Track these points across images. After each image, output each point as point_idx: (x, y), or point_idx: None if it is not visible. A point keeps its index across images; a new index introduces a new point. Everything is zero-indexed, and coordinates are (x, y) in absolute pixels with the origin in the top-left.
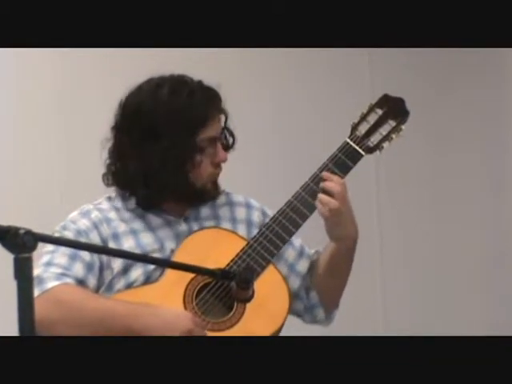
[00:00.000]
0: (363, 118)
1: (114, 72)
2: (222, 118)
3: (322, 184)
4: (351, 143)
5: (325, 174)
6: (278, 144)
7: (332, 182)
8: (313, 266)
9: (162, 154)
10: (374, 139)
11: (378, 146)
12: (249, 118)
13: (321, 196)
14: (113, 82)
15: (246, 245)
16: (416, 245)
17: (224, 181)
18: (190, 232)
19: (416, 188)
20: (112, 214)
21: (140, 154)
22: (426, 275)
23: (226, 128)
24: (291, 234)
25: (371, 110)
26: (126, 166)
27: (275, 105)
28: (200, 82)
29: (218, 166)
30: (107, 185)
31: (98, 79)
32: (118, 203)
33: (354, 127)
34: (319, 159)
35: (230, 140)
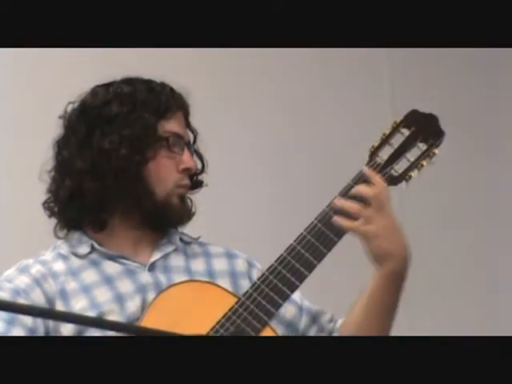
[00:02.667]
0: (385, 140)
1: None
2: (187, 124)
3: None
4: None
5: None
6: (273, 175)
7: (362, 186)
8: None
9: (114, 137)
10: (400, 167)
11: (404, 176)
12: (238, 131)
13: (345, 204)
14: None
15: (236, 302)
16: (445, 294)
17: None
18: (156, 285)
19: (450, 228)
20: (58, 266)
21: (86, 148)
22: (453, 317)
23: (192, 146)
24: (293, 288)
25: (395, 129)
26: (68, 172)
27: (275, 117)
28: (163, 82)
29: (183, 173)
30: (49, 215)
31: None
32: (65, 249)
33: (374, 152)
34: (327, 195)
35: (199, 164)
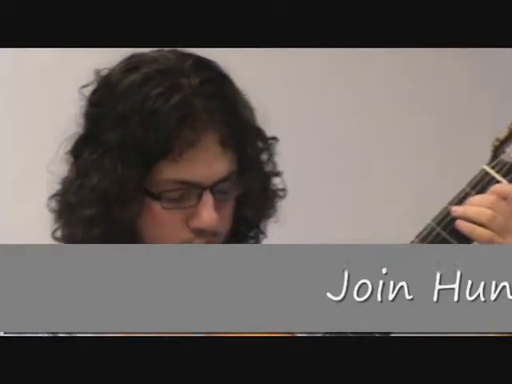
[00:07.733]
0: None
1: None
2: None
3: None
4: (493, 174)
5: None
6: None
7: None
8: None
9: (91, 167)
10: None
11: None
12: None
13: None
14: None
15: None
16: None
17: None
18: None
19: None
20: None
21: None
22: None
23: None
24: None
25: None
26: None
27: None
28: (198, 65)
29: (199, 234)
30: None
31: None
32: None
33: (499, 147)
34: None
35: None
